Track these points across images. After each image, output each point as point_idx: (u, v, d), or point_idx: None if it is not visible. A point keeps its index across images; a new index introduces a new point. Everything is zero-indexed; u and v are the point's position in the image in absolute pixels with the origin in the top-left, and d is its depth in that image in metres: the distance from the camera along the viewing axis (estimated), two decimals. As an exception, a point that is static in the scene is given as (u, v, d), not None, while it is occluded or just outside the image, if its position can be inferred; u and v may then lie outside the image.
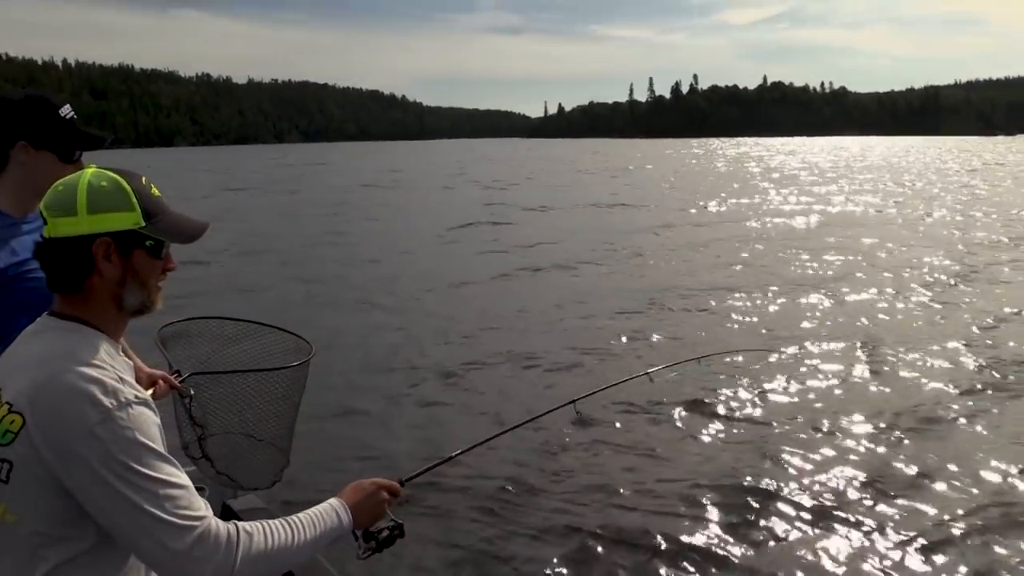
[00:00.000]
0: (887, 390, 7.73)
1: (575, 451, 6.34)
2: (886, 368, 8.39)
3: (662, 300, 11.96)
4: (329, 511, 1.58)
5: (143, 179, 1.53)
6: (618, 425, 6.86)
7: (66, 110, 2.33)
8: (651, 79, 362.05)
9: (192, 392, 2.63)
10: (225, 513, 3.09)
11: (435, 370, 8.64)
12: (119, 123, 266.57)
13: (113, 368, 1.43)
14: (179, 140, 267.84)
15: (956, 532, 4.98)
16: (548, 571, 4.65)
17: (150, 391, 2.48)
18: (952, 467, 5.88)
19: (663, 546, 4.88)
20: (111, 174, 1.49)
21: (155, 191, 1.54)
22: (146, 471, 1.35)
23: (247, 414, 2.73)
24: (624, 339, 9.83)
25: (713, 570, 4.66)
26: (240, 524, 1.42)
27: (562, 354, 9.16)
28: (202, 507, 1.40)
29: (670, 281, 13.30)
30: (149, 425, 1.40)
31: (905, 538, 4.93)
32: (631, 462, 6.16)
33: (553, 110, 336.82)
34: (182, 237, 1.57)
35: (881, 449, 6.33)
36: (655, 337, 9.87)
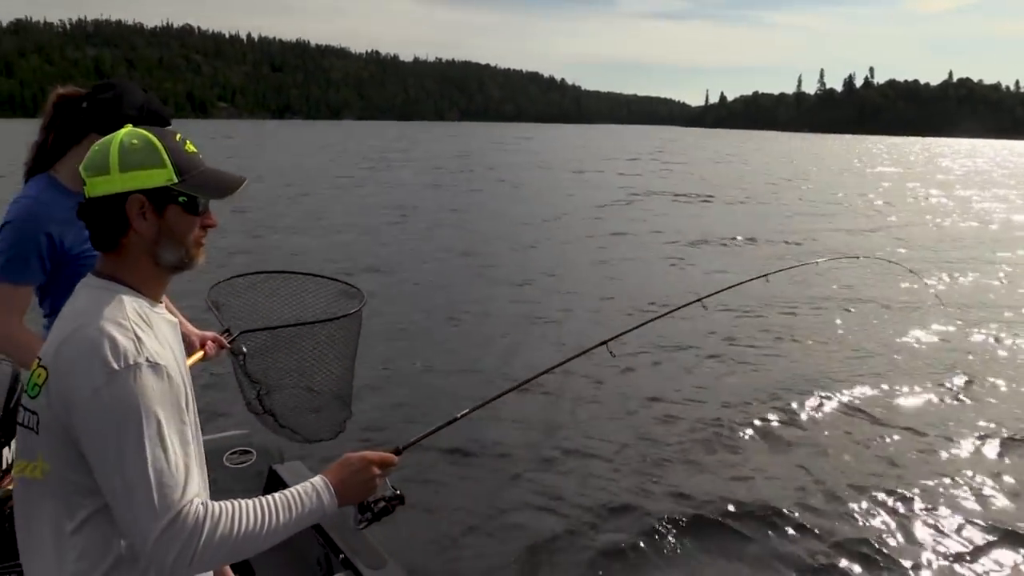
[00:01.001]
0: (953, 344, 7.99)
1: (608, 397, 6.31)
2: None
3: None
4: (310, 493, 1.50)
5: (177, 136, 1.53)
6: (663, 363, 6.98)
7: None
8: (822, 70, 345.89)
9: (244, 350, 2.67)
10: (271, 479, 3.07)
11: (476, 317, 9.05)
12: (293, 95, 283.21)
13: (135, 328, 1.41)
14: (346, 113, 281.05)
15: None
16: (581, 530, 4.52)
17: (200, 353, 2.58)
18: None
19: (710, 504, 4.74)
20: (144, 132, 1.50)
21: (190, 147, 1.54)
22: (140, 441, 1.32)
23: (305, 366, 2.76)
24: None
25: (765, 522, 4.57)
26: (211, 507, 1.37)
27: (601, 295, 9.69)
28: (189, 489, 1.36)
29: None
30: (156, 392, 1.37)
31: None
32: (669, 408, 6.14)
33: (715, 99, 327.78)
34: (216, 192, 1.55)
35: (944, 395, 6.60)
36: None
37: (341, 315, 2.72)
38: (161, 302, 1.59)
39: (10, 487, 2.30)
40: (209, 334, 2.66)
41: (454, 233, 16.35)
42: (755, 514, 4.61)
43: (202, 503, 1.37)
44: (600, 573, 4.17)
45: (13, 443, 2.43)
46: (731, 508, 4.66)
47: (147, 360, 1.37)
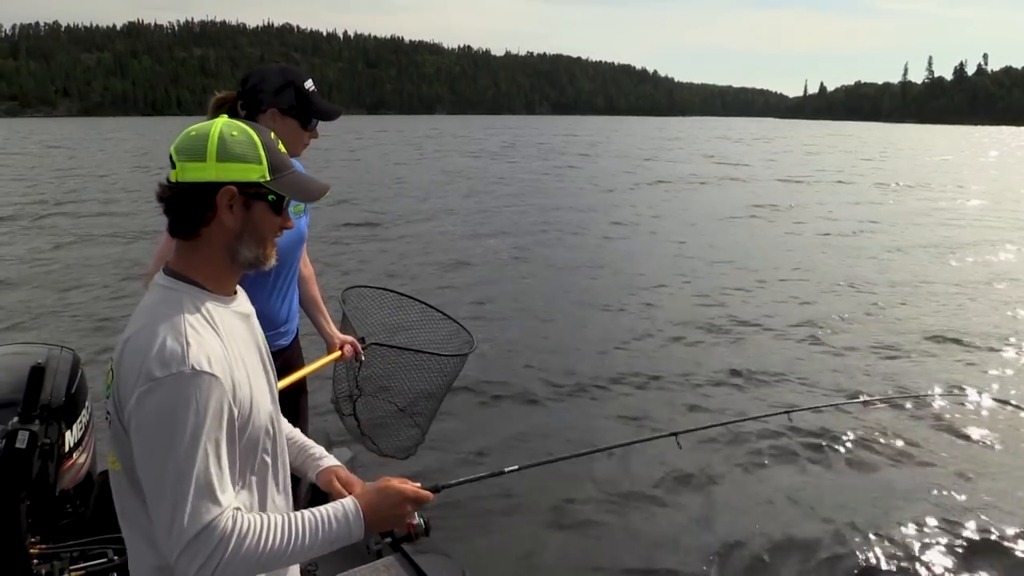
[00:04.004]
0: None
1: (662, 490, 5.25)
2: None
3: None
4: (340, 517, 1.48)
5: (272, 134, 1.54)
6: (731, 471, 5.54)
7: (309, 84, 2.59)
8: (930, 57, 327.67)
9: (363, 358, 2.91)
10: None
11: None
12: (387, 90, 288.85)
13: (188, 332, 1.38)
14: (438, 108, 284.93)
15: None
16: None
17: (337, 354, 2.86)
18: None
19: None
20: (243, 125, 1.50)
21: (282, 147, 1.54)
22: (172, 455, 1.32)
23: (402, 388, 2.97)
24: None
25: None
26: (240, 523, 1.36)
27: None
28: (218, 504, 1.34)
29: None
30: (195, 401, 1.34)
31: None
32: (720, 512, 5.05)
33: (813, 89, 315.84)
34: (304, 195, 1.57)
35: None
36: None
37: (458, 353, 2.89)
38: (234, 294, 1.57)
39: (73, 466, 2.60)
40: (348, 338, 2.89)
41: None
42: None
43: (231, 519, 1.35)
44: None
45: (75, 427, 2.66)
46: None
47: (192, 368, 1.34)
